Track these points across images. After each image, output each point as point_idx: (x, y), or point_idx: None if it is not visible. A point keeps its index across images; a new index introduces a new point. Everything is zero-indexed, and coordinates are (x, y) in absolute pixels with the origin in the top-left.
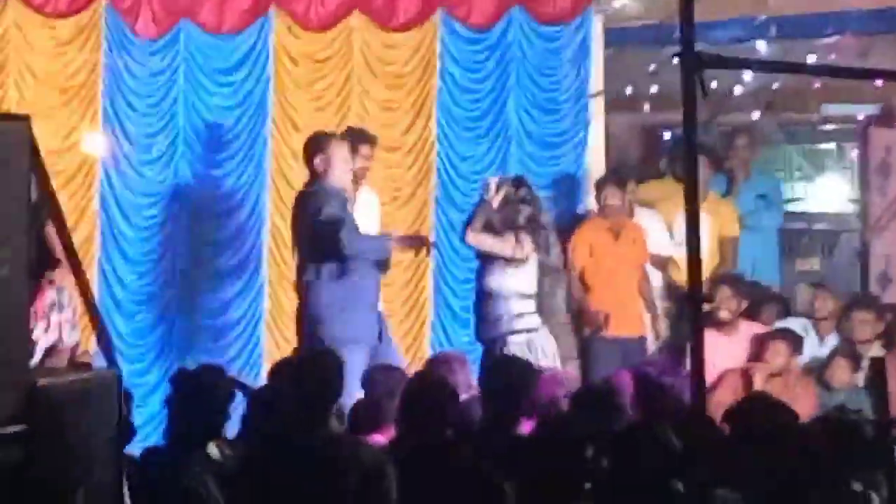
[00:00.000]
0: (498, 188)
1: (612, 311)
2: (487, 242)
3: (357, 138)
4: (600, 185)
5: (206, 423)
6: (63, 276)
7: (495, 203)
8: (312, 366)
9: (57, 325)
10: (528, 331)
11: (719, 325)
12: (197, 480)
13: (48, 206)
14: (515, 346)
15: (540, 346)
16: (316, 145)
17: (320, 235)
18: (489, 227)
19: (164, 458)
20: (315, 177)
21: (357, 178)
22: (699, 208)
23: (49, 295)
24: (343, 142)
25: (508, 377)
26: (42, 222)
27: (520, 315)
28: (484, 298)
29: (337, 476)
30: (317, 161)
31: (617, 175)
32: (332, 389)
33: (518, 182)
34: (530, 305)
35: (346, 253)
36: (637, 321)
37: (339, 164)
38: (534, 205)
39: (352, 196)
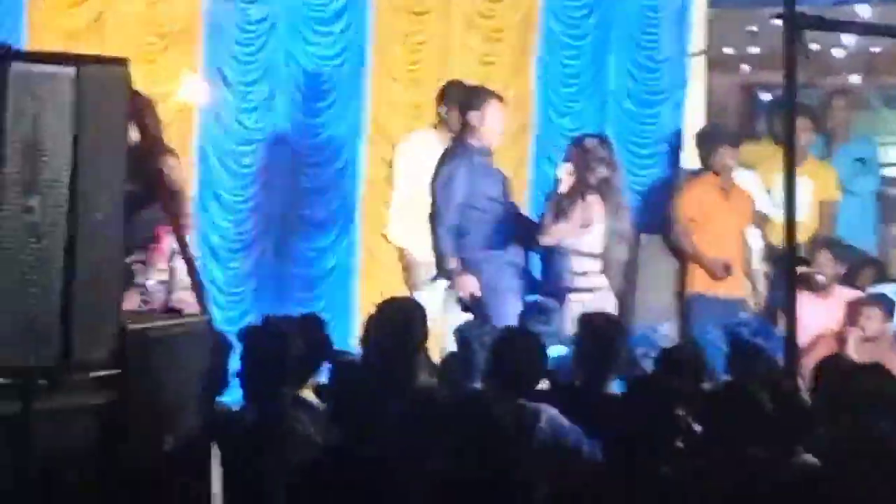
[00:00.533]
0: (570, 174)
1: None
2: (559, 232)
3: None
4: (712, 144)
5: (293, 371)
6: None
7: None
8: (392, 313)
9: (176, 272)
10: (590, 290)
11: (816, 288)
12: (293, 419)
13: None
14: (575, 304)
15: (600, 307)
16: (473, 100)
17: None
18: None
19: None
20: (463, 132)
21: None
22: (796, 171)
23: (168, 241)
24: (498, 100)
25: (599, 334)
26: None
27: (582, 273)
28: (546, 253)
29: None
30: (471, 116)
31: (731, 135)
32: (413, 336)
33: (602, 141)
34: (594, 265)
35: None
36: (739, 282)
37: (493, 125)
38: (611, 167)
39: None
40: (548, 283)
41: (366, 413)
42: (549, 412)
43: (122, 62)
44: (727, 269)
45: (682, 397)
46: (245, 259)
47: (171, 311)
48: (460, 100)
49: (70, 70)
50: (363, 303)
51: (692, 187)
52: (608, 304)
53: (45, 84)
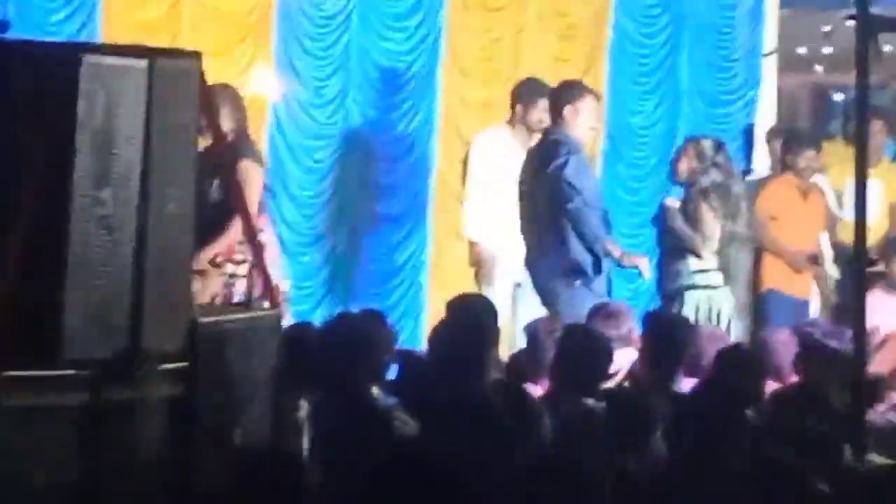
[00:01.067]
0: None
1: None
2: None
3: (538, 91)
4: (797, 146)
5: (367, 367)
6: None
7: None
8: (461, 310)
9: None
10: (708, 287)
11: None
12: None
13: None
14: (692, 301)
15: (718, 304)
16: (568, 94)
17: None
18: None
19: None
20: (557, 125)
21: (532, 129)
22: (868, 172)
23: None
24: (594, 97)
25: (667, 334)
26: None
27: (701, 271)
28: (665, 252)
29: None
30: (566, 110)
31: (815, 138)
32: (483, 335)
33: (717, 145)
34: (711, 262)
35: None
36: (808, 283)
37: (586, 119)
38: (724, 171)
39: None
40: (665, 282)
41: (433, 409)
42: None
43: (194, 55)
44: (813, 260)
45: (749, 398)
46: (315, 253)
47: (241, 304)
48: (554, 94)
49: (142, 63)
50: (432, 299)
51: (773, 185)
52: (726, 303)
53: (117, 77)
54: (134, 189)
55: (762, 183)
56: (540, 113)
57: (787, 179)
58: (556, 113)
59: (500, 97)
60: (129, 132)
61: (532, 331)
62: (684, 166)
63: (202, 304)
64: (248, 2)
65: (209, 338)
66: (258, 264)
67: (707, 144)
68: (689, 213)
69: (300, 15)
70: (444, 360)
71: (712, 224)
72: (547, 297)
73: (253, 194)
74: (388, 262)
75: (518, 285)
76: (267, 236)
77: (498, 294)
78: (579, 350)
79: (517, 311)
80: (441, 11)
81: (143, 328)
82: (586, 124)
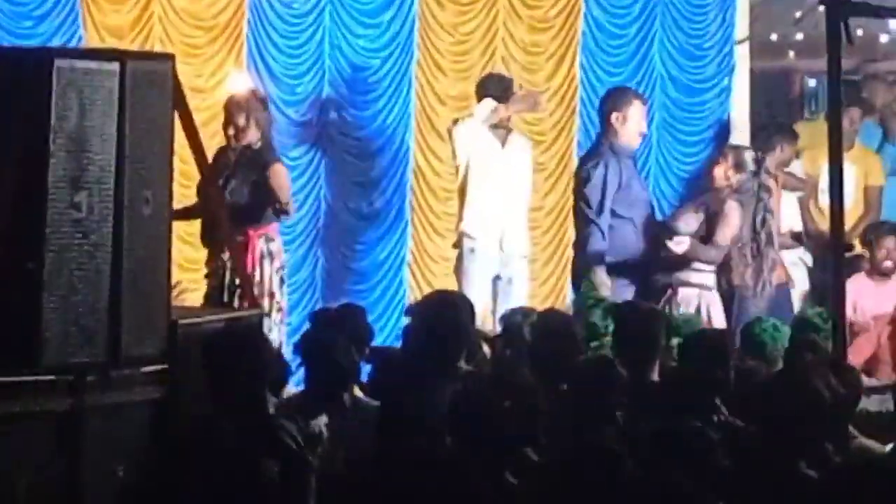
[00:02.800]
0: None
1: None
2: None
3: (507, 85)
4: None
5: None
6: (273, 225)
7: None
8: (441, 307)
9: (268, 276)
10: (702, 287)
11: (881, 274)
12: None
13: (193, 147)
14: (684, 298)
15: (707, 303)
16: (614, 101)
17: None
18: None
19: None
20: (606, 133)
21: (506, 125)
22: (843, 156)
23: (259, 245)
24: (641, 102)
25: (640, 324)
26: (263, 170)
27: (696, 270)
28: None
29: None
30: (613, 117)
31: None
32: (462, 333)
33: (758, 158)
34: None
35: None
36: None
37: (634, 125)
38: (761, 184)
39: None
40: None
41: (411, 406)
42: None
43: (167, 57)
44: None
45: (716, 384)
46: (296, 251)
47: (224, 305)
48: (601, 101)
49: (114, 66)
50: (412, 294)
51: None
52: (717, 304)
53: (89, 80)
54: (109, 192)
55: None
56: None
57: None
58: (603, 120)
59: (474, 91)
60: (102, 135)
61: (507, 320)
62: (721, 172)
63: (180, 305)
64: (219, 2)
65: (188, 339)
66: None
67: (748, 155)
68: (712, 216)
69: (272, 13)
70: (418, 361)
71: (735, 229)
72: None
73: (285, 196)
74: (369, 258)
75: (497, 278)
76: (277, 245)
77: (479, 288)
78: (554, 336)
79: (497, 304)
80: (413, 6)
81: (122, 332)
82: (634, 130)
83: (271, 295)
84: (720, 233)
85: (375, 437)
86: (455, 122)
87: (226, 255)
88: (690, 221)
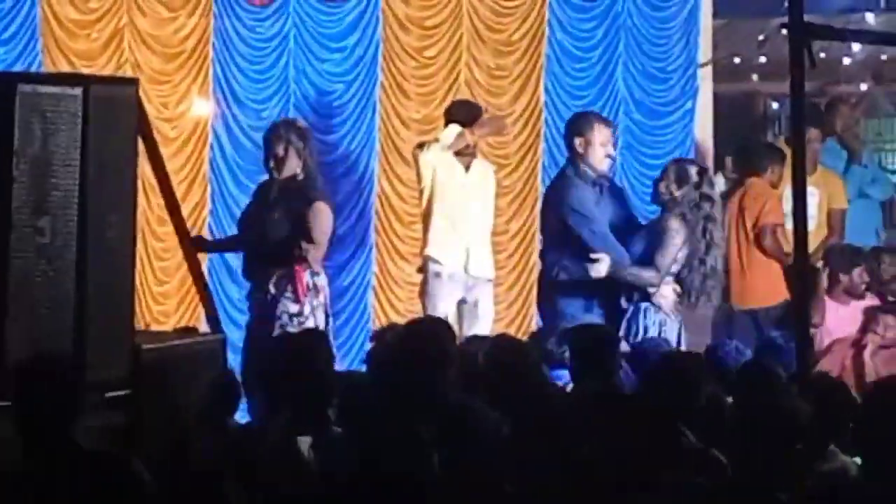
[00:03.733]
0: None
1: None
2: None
3: (475, 112)
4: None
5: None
6: (316, 258)
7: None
8: (423, 335)
9: (311, 310)
10: (660, 310)
11: (851, 296)
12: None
13: (157, 172)
14: (649, 320)
15: (671, 325)
16: (577, 126)
17: (565, 224)
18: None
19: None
20: (573, 159)
21: (471, 151)
22: (806, 178)
23: (305, 278)
24: (604, 125)
25: (587, 343)
26: (306, 205)
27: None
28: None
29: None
30: (577, 142)
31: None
32: (446, 355)
33: (701, 171)
34: (667, 284)
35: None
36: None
37: (599, 149)
38: (704, 196)
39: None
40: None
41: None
42: None
43: (130, 82)
44: None
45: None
46: None
47: (187, 329)
48: (565, 127)
49: (77, 90)
50: (377, 318)
51: (770, 194)
52: (677, 323)
53: (53, 105)
54: (73, 217)
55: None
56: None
57: (773, 191)
58: (569, 146)
59: (439, 115)
60: (66, 160)
61: (465, 347)
62: (663, 187)
63: (144, 330)
64: (185, 27)
65: (152, 364)
66: (199, 289)
67: (692, 168)
68: (657, 232)
69: (237, 39)
70: (400, 386)
71: (676, 248)
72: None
73: (322, 234)
74: (334, 282)
75: (463, 301)
76: (322, 280)
77: (443, 311)
78: (508, 362)
79: (463, 327)
80: (377, 31)
81: (85, 356)
82: (599, 154)
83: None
84: (659, 253)
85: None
86: (419, 146)
87: (272, 288)
88: (634, 242)
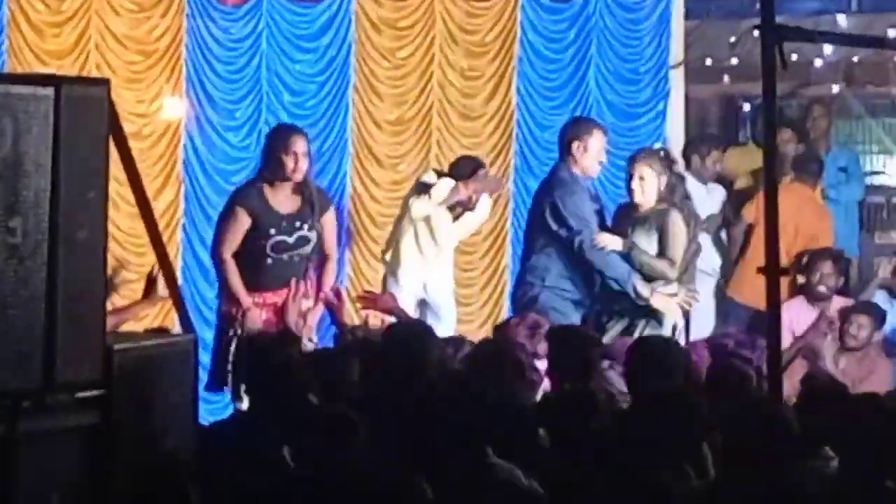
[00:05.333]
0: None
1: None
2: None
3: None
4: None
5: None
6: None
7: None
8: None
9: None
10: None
11: (817, 299)
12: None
13: (129, 172)
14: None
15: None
16: (575, 130)
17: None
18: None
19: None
20: (567, 161)
21: (464, 205)
22: (776, 179)
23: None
24: (601, 132)
25: (567, 344)
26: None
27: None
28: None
29: None
30: (575, 146)
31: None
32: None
33: (668, 159)
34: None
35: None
36: None
37: (594, 154)
38: (681, 183)
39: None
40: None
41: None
42: None
43: (102, 82)
44: None
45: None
46: None
47: (158, 330)
48: (561, 130)
49: (49, 90)
50: (350, 320)
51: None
52: (681, 319)
53: (24, 105)
54: (44, 217)
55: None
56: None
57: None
58: (564, 148)
59: (412, 116)
60: (37, 160)
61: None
62: (636, 185)
63: (115, 331)
64: (157, 28)
65: (123, 365)
66: (170, 289)
67: (660, 155)
68: (660, 231)
69: (210, 38)
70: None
71: (683, 238)
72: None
73: (333, 245)
74: None
75: (425, 304)
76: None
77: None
78: (489, 366)
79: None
80: (350, 31)
81: (56, 357)
82: (594, 159)
83: None
84: (671, 247)
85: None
86: (414, 193)
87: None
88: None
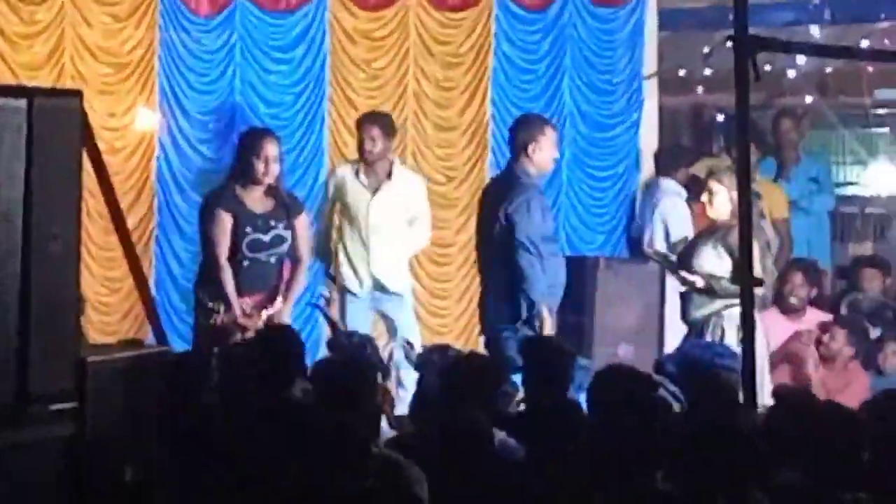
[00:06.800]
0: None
1: None
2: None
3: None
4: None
5: None
6: None
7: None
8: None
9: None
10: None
11: (789, 311)
12: None
13: (102, 185)
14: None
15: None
16: (529, 129)
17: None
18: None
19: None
20: (519, 161)
21: (369, 161)
22: (751, 189)
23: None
24: (552, 129)
25: (546, 360)
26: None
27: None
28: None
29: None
30: (530, 147)
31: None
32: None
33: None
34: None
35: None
36: None
37: (548, 152)
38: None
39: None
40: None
41: None
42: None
43: (75, 94)
44: None
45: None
46: None
47: (132, 342)
48: (513, 129)
49: (21, 102)
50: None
51: None
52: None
53: None
54: (17, 229)
55: None
56: (369, 143)
57: None
58: (518, 148)
59: None
60: (10, 172)
61: (424, 357)
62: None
63: (89, 342)
64: (130, 39)
65: (97, 376)
66: (143, 300)
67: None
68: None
69: (183, 50)
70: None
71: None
72: (489, 341)
73: (306, 248)
74: None
75: (384, 316)
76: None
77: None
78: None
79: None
80: (325, 42)
81: (30, 369)
82: (549, 157)
83: None
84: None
85: None
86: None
87: None
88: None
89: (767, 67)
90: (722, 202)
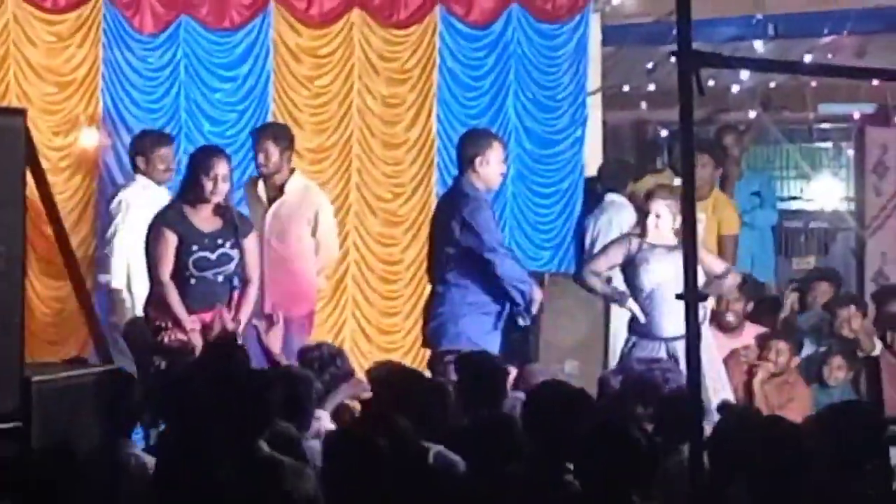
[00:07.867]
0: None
1: None
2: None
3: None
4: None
5: None
6: None
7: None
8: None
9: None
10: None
11: (726, 328)
12: None
13: (46, 203)
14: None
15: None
16: (476, 144)
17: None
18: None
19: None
20: (465, 174)
21: (265, 175)
22: (695, 205)
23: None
24: (500, 143)
25: (479, 375)
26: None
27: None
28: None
29: None
30: (477, 161)
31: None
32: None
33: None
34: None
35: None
36: None
37: (496, 167)
38: None
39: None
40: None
41: None
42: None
43: (18, 112)
44: None
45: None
46: None
47: (76, 360)
48: (460, 144)
49: None
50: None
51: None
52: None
53: None
54: None
55: None
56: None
57: None
58: (465, 162)
59: (332, 144)
60: None
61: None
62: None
63: (32, 361)
64: (74, 58)
65: (42, 395)
66: (88, 320)
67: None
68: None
69: (127, 68)
70: None
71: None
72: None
73: (255, 268)
74: None
75: None
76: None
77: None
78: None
79: None
80: (268, 60)
81: None
82: (496, 171)
83: None
84: None
85: None
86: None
87: None
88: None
89: (711, 83)
90: (666, 225)
